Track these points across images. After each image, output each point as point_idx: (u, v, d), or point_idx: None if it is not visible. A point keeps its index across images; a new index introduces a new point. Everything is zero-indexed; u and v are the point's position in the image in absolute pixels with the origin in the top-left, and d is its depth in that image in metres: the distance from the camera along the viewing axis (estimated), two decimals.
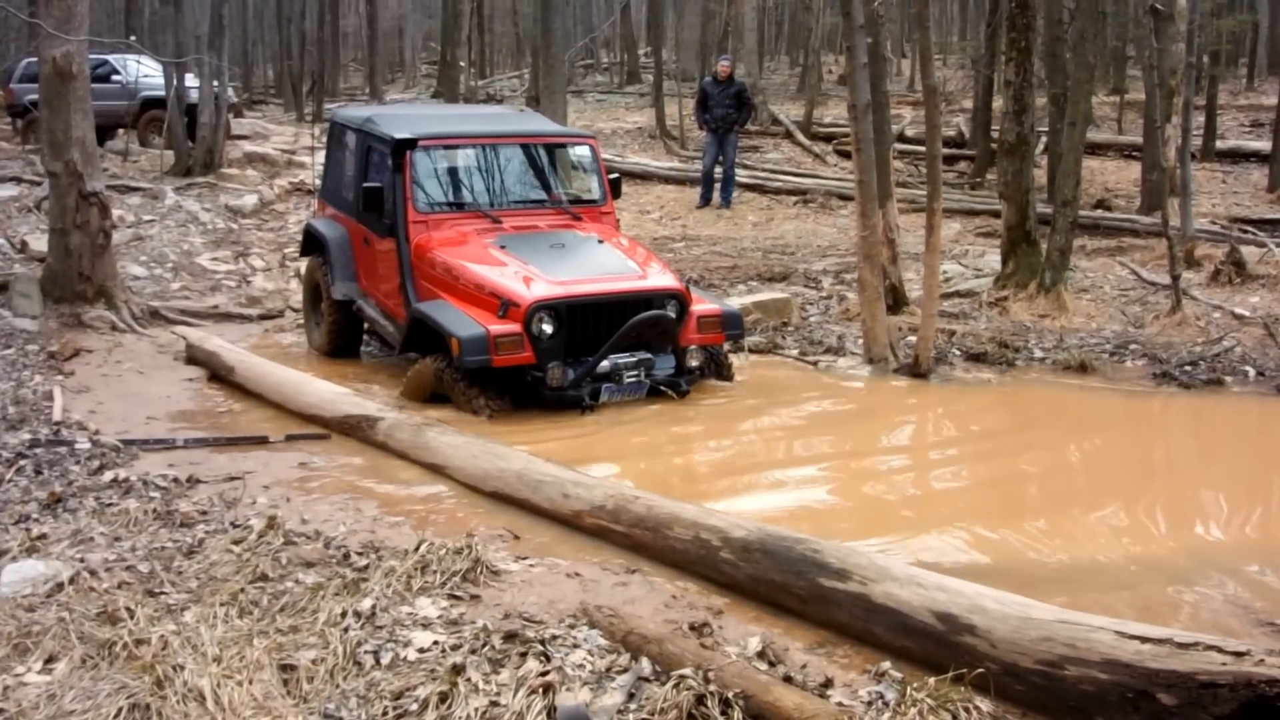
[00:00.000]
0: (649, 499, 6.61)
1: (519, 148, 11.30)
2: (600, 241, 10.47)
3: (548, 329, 9.36)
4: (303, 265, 14.66)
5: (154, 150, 22.12)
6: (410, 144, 10.43)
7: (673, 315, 9.70)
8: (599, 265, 10.00)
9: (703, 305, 10.16)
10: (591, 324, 9.55)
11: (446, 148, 10.87)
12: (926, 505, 7.64)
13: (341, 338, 11.68)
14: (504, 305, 9.39)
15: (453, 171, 10.95)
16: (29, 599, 5.58)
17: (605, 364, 9.46)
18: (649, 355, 9.69)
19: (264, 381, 10.01)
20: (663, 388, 9.64)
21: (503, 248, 10.09)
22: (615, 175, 11.67)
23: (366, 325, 11.54)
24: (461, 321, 9.35)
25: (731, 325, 10.23)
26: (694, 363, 9.94)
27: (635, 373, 9.58)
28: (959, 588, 5.17)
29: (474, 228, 10.49)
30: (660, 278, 10.04)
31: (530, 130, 11.70)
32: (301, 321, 13.01)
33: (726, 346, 10.63)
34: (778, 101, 30.67)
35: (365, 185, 10.52)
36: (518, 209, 10.90)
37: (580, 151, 11.65)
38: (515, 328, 9.25)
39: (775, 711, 4.43)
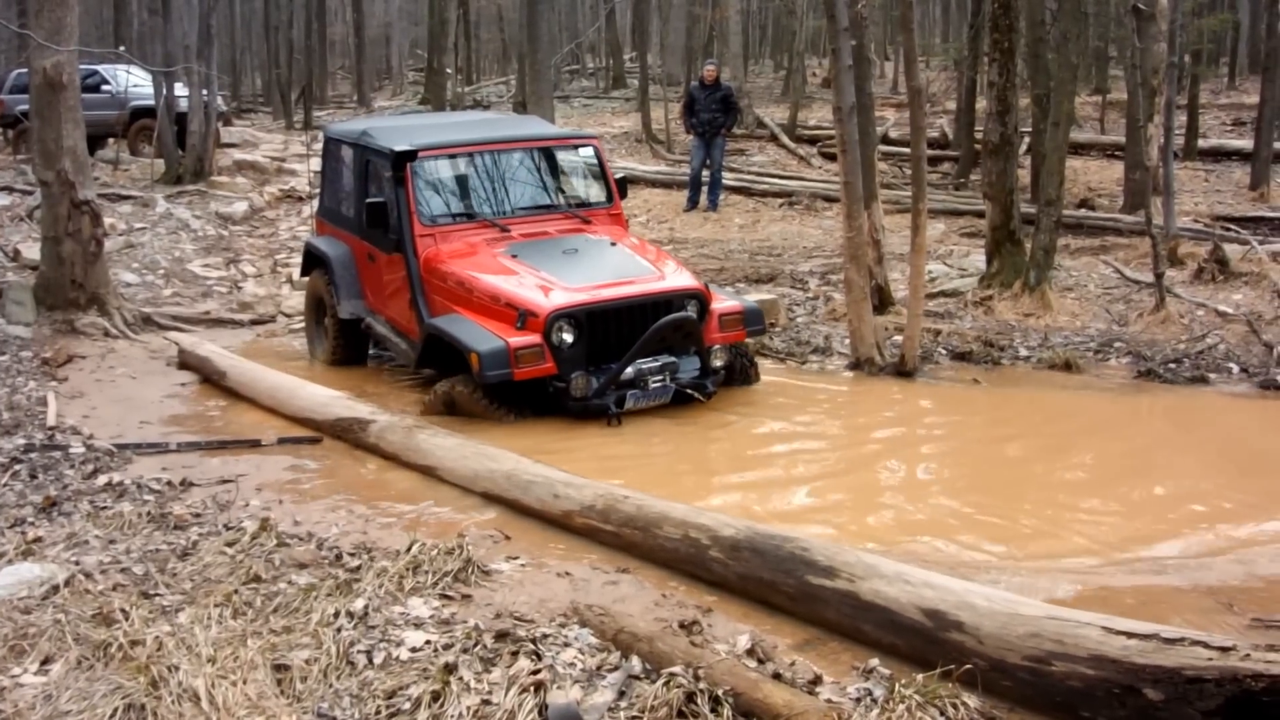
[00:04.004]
0: (638, 498, 6.65)
1: (522, 153, 11.10)
2: (613, 244, 10.32)
3: (568, 338, 9.19)
4: (294, 271, 14.71)
5: (144, 159, 22.13)
6: (410, 155, 10.23)
7: (696, 316, 9.56)
8: (615, 269, 9.82)
9: (722, 303, 9.98)
10: (613, 330, 9.38)
11: (448, 157, 10.70)
12: (914, 503, 7.66)
13: (348, 351, 11.48)
14: (522, 316, 9.20)
15: (456, 181, 10.76)
16: (25, 601, 5.61)
17: (629, 370, 9.26)
18: (673, 358, 9.50)
19: (256, 386, 10.04)
20: (688, 391, 9.48)
21: (514, 256, 9.91)
22: (621, 175, 11.53)
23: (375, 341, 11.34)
24: (479, 335, 9.16)
25: (753, 322, 10.07)
26: (718, 362, 9.75)
27: (660, 377, 9.37)
28: (947, 584, 5.21)
29: (482, 237, 10.30)
30: (679, 277, 9.90)
31: (532, 134, 11.52)
32: (293, 327, 13.03)
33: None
34: (763, 105, 30.64)
35: (368, 201, 10.31)
36: (525, 216, 10.70)
37: (584, 153, 11.46)
38: (535, 338, 9.08)
39: (765, 708, 4.47)
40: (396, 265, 10.42)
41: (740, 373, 10.21)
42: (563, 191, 11.24)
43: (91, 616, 5.39)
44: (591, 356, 9.32)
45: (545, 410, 9.39)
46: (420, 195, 10.30)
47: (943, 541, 6.92)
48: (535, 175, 11.17)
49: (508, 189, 10.89)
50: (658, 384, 9.37)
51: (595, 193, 11.30)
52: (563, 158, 11.48)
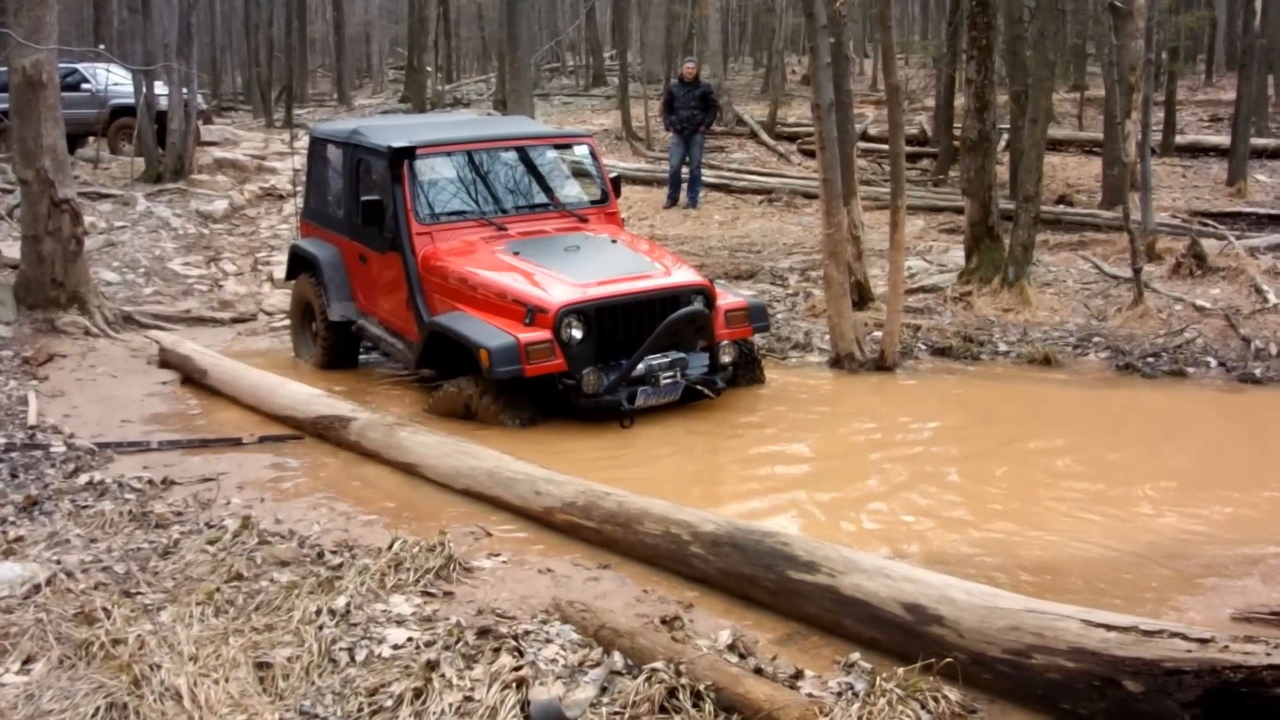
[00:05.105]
0: (619, 495, 6.67)
1: (517, 151, 11.02)
2: (613, 241, 10.27)
3: (577, 334, 9.07)
4: (275, 270, 14.68)
5: (124, 157, 22.03)
6: (409, 152, 10.11)
7: (708, 312, 9.47)
8: (620, 265, 9.74)
9: (727, 299, 9.94)
10: (621, 326, 9.27)
11: (444, 155, 10.59)
12: (895, 498, 7.69)
13: (338, 355, 11.30)
14: (530, 312, 9.07)
15: (453, 179, 10.64)
16: (6, 601, 5.62)
17: (640, 367, 9.15)
18: (682, 355, 9.40)
19: (238, 384, 10.01)
20: (698, 387, 9.38)
21: (516, 254, 9.80)
22: (616, 174, 11.45)
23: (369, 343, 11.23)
24: (488, 332, 9.02)
25: (758, 318, 10.04)
26: (726, 358, 9.71)
27: (670, 374, 9.27)
28: (927, 578, 5.25)
29: (480, 236, 10.20)
30: (684, 273, 9.83)
31: (526, 133, 11.43)
32: (275, 325, 13.01)
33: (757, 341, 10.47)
34: (742, 102, 30.70)
35: (364, 199, 10.14)
36: (522, 214, 10.61)
37: (579, 151, 11.43)
38: (545, 334, 8.95)
39: (746, 703, 4.49)
40: (391, 265, 10.31)
41: (747, 372, 10.17)
42: (558, 190, 11.14)
43: (73, 615, 5.40)
44: (600, 353, 9.22)
45: (551, 411, 9.30)
46: (417, 193, 10.18)
47: (923, 536, 6.95)
48: (531, 174, 11.08)
49: (503, 188, 10.82)
50: (668, 380, 9.27)
51: (590, 191, 11.25)
52: (557, 157, 11.42)
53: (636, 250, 10.25)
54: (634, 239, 10.96)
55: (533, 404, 9.27)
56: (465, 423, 9.18)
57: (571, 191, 11.25)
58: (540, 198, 10.98)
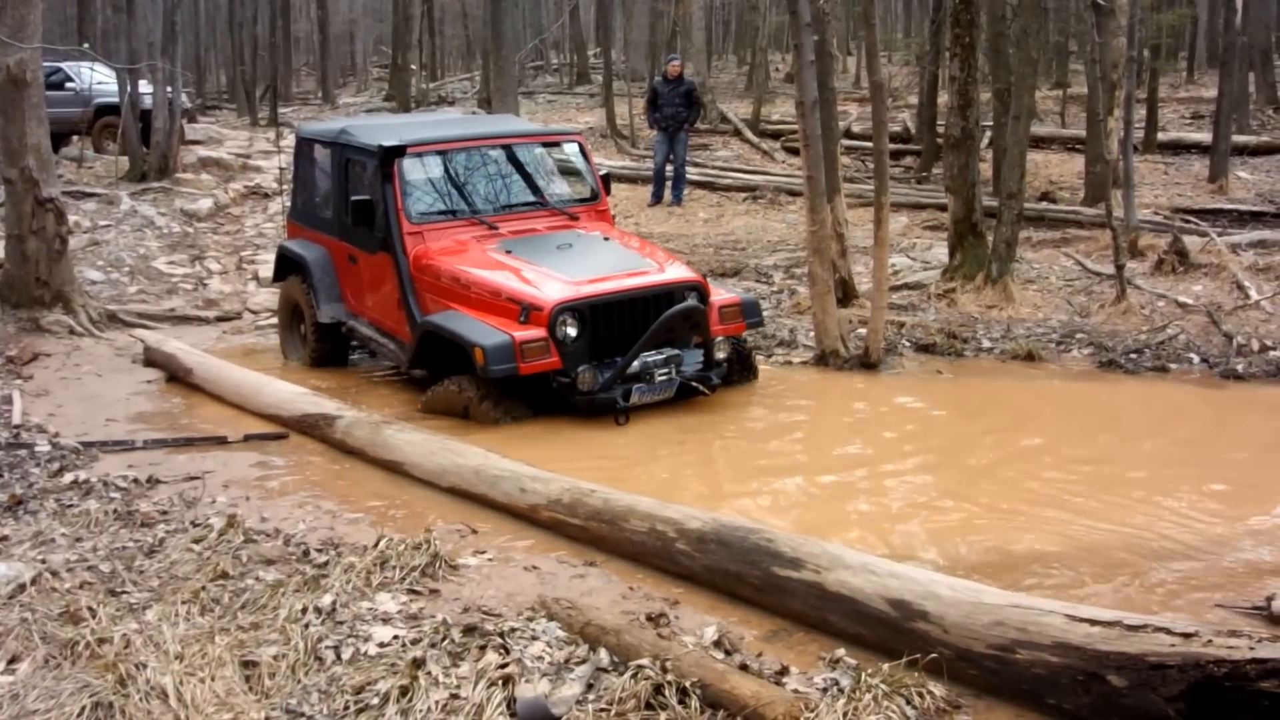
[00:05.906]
0: (605, 492, 6.67)
1: (507, 150, 10.96)
2: (606, 239, 10.27)
3: (572, 331, 9.05)
4: (260, 268, 14.66)
5: (109, 156, 21.96)
6: (399, 151, 10.07)
7: (703, 307, 9.44)
8: (613, 263, 9.72)
9: (720, 295, 9.93)
10: (616, 323, 9.27)
11: (435, 154, 10.51)
12: (881, 494, 7.70)
13: (329, 357, 11.26)
14: (525, 310, 9.06)
15: (443, 178, 10.57)
16: None
17: (634, 363, 9.12)
18: (677, 351, 9.38)
19: (222, 382, 10.00)
20: (693, 384, 9.35)
21: (509, 252, 9.79)
22: (605, 172, 11.44)
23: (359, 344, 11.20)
24: (482, 330, 9.01)
25: (751, 313, 10.05)
26: (721, 354, 9.65)
27: (665, 370, 9.25)
28: (912, 574, 5.25)
29: (471, 235, 10.17)
30: (678, 270, 9.83)
31: (517, 131, 11.41)
32: (260, 324, 12.98)
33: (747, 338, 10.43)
34: (726, 100, 30.71)
35: (354, 199, 10.08)
36: (512, 213, 10.58)
37: (569, 149, 11.39)
38: (540, 332, 8.94)
39: (732, 699, 4.49)
40: (382, 265, 10.27)
41: (742, 369, 10.15)
42: (549, 188, 11.07)
43: (59, 615, 5.38)
44: (595, 350, 9.19)
45: (546, 409, 9.27)
46: (408, 192, 10.13)
47: (909, 532, 6.96)
48: (521, 172, 11.02)
49: (494, 186, 10.77)
50: (663, 377, 9.25)
51: (580, 189, 11.20)
52: (547, 155, 11.36)
53: (629, 247, 10.23)
54: (626, 236, 10.94)
55: (527, 402, 9.24)
56: (457, 421, 9.16)
57: (562, 189, 11.19)
58: (530, 196, 10.92)
